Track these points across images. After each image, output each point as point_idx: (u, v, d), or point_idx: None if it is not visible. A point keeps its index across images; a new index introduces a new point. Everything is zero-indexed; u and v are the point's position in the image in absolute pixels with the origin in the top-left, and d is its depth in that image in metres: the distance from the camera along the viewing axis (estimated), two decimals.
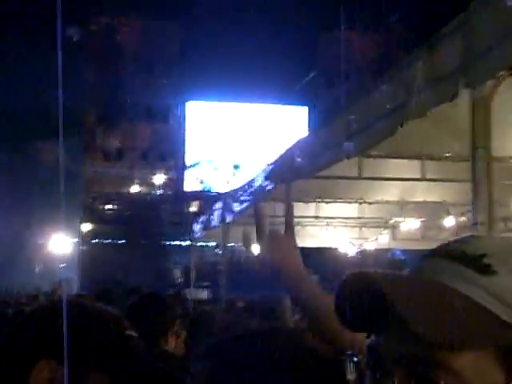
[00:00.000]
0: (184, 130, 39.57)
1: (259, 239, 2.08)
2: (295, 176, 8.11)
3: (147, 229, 36.06)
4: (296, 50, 38.83)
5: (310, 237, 13.39)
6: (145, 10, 39.01)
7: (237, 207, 11.00)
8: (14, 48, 40.25)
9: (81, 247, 36.94)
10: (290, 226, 2.15)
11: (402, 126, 5.12)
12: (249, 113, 39.21)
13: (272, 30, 38.97)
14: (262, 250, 2.09)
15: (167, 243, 36.58)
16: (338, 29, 36.91)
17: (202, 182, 38.12)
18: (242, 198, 10.63)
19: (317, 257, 18.52)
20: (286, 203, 2.58)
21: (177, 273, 32.66)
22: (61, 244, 35.32)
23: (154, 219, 36.61)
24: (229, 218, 11.62)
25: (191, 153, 39.29)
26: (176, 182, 38.86)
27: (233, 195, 11.49)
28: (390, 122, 5.38)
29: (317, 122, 35.01)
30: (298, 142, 8.69)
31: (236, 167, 37.34)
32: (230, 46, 38.54)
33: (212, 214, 12.77)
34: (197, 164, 38.56)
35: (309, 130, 31.93)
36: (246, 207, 10.42)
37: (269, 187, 9.19)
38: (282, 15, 38.70)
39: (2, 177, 41.80)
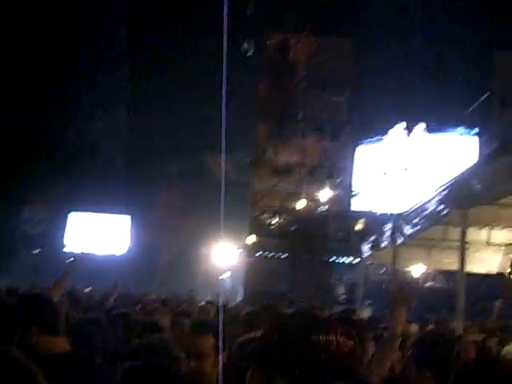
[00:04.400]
0: (354, 148, 39.54)
1: None
2: (473, 202, 8.07)
3: (312, 244, 36.23)
4: (467, 70, 38.13)
5: (479, 262, 13.20)
6: (318, 26, 39.31)
7: (408, 230, 10.99)
8: (183, 63, 41.53)
9: (245, 259, 37.53)
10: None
11: None
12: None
13: (448, 49, 38.49)
14: None
15: (332, 260, 36.64)
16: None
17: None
18: (414, 221, 10.62)
19: (489, 284, 18.18)
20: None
21: (341, 289, 32.66)
22: (227, 255, 36.03)
23: (319, 235, 36.73)
24: (399, 240, 11.61)
25: (359, 171, 39.20)
26: (342, 199, 38.85)
27: (404, 217, 11.47)
28: None
29: (491, 148, 34.13)
30: (475, 166, 8.62)
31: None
32: (402, 67, 38.30)
33: (382, 235, 12.78)
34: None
35: (481, 156, 31.24)
36: (418, 230, 10.41)
37: (443, 212, 9.16)
38: (450, 34, 38.16)
39: (172, 188, 43.09)
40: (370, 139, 38.70)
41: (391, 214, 18.78)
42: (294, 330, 2.10)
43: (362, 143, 39.34)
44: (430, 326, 11.94)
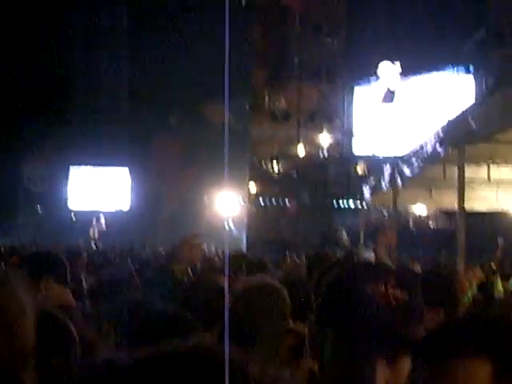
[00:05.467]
0: (352, 90, 39.35)
1: None
2: (469, 140, 8.03)
3: (313, 189, 36.27)
4: (462, 7, 37.69)
5: (480, 199, 13.19)
6: None
7: (407, 171, 10.97)
8: (181, 13, 41.30)
9: (248, 206, 37.58)
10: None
11: None
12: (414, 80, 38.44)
13: None
14: None
15: (333, 204, 36.69)
16: None
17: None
18: (413, 162, 10.59)
19: (491, 222, 18.21)
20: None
21: (344, 233, 32.72)
22: (228, 203, 36.07)
23: (320, 180, 36.76)
24: (399, 182, 11.60)
25: (359, 115, 39.06)
26: (343, 143, 38.80)
27: (404, 159, 11.45)
28: None
29: (487, 85, 33.89)
30: (473, 105, 8.58)
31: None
32: (396, 7, 37.93)
33: (382, 178, 12.77)
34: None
35: (478, 95, 31.04)
36: (417, 171, 10.39)
37: (441, 151, 9.14)
38: None
39: (171, 138, 43.00)
40: (368, 79, 38.50)
41: (393, 157, 18.75)
42: (348, 281, 2.08)
43: (359, 84, 39.14)
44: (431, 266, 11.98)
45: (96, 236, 39.32)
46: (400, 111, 37.20)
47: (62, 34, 45.35)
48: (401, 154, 12.70)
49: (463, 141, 8.38)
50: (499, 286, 10.34)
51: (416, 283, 2.16)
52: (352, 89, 39.35)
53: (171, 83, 41.17)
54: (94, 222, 41.47)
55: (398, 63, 37.48)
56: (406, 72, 37.42)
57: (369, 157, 36.01)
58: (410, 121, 35.78)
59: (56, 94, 44.54)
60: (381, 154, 34.71)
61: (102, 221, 42.54)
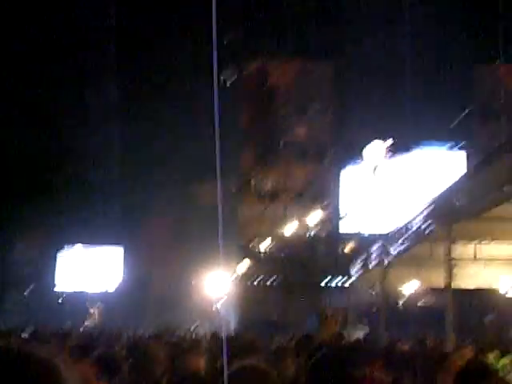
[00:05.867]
0: (339, 170, 39.51)
1: None
2: (457, 217, 8.08)
3: (302, 268, 36.20)
4: (451, 85, 38.27)
5: (468, 277, 13.20)
6: (297, 51, 39.61)
7: (395, 249, 10.99)
8: (170, 95, 41.76)
9: (237, 287, 37.41)
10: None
11: None
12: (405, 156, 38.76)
13: (427, 66, 38.73)
14: None
15: (322, 284, 36.59)
16: (493, 62, 36.35)
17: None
18: (400, 240, 10.62)
19: (479, 299, 18.16)
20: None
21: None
22: (218, 283, 35.89)
23: (308, 259, 36.72)
24: (386, 260, 11.60)
25: (346, 194, 39.16)
26: (330, 222, 38.87)
27: (390, 237, 11.47)
28: None
29: (475, 161, 34.14)
30: (458, 182, 8.64)
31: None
32: (383, 87, 38.48)
33: (369, 256, 12.78)
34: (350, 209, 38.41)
35: (468, 171, 31.20)
36: (405, 249, 10.41)
37: (428, 229, 9.17)
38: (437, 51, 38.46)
39: (162, 215, 43.03)
40: (355, 160, 38.72)
41: (379, 235, 18.79)
42: (334, 364, 2.09)
43: (346, 165, 39.35)
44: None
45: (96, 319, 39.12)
46: (387, 189, 37.37)
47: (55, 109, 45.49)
48: (387, 232, 12.72)
49: (449, 219, 8.43)
50: (495, 362, 10.27)
51: (403, 365, 2.19)
52: (339, 169, 39.55)
53: (162, 164, 41.44)
54: (95, 308, 41.33)
55: (385, 141, 37.79)
56: (394, 149, 37.74)
57: (356, 234, 36.05)
58: (397, 198, 35.92)
59: (46, 173, 44.58)
60: (367, 231, 34.78)
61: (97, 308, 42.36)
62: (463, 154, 37.39)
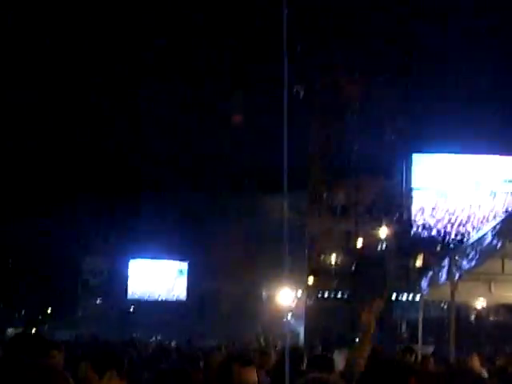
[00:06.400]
0: (410, 184, 39.19)
1: None
2: None
3: (373, 283, 36.02)
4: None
5: None
6: (369, 67, 39.44)
7: (465, 264, 10.87)
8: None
9: (307, 300, 37.40)
10: None
11: None
12: (472, 163, 38.50)
13: (490, 79, 38.23)
14: None
15: (393, 298, 36.33)
16: None
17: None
18: (470, 255, 10.51)
19: None
20: None
21: (402, 327, 32.31)
22: (287, 297, 35.91)
23: (379, 273, 36.50)
24: (457, 275, 11.47)
25: (417, 205, 38.89)
26: (401, 235, 38.56)
27: (461, 251, 11.35)
28: None
29: None
30: None
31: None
32: (449, 98, 38.14)
33: (440, 270, 12.64)
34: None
35: None
36: (475, 264, 10.31)
37: (498, 245, 9.07)
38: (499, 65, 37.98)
39: (231, 229, 43.29)
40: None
41: (450, 249, 18.63)
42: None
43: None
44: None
45: None
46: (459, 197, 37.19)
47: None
48: (459, 246, 12.64)
49: None
50: None
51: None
52: (410, 182, 39.33)
53: (230, 177, 41.78)
54: None
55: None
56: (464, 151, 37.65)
57: (426, 248, 35.74)
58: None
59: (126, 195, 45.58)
60: (438, 246, 34.56)
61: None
62: None
